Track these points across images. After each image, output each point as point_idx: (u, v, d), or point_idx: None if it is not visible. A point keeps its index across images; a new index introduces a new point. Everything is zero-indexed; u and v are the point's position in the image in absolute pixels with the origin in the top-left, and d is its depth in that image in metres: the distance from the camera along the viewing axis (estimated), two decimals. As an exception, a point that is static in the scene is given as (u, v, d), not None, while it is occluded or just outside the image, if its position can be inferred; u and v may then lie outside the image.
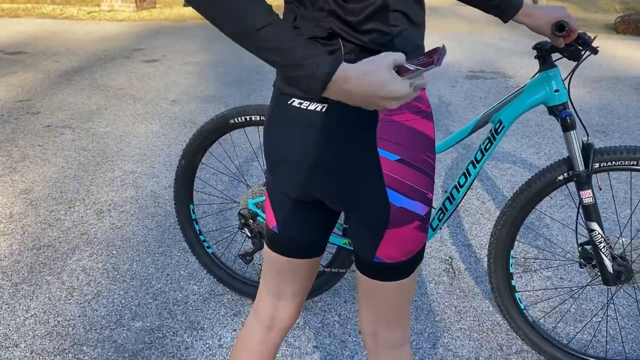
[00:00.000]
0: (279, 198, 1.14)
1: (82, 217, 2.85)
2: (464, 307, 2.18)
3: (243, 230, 2.03)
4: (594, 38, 1.55)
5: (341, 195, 1.03)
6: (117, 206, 2.96)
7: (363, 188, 1.00)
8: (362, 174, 0.99)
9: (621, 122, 4.27)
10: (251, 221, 2.01)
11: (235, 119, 1.97)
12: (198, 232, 2.22)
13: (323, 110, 0.98)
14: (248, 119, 1.95)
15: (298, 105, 1.00)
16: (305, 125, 1.01)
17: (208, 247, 2.23)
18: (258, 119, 1.94)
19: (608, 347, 1.98)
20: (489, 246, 1.83)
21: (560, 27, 1.41)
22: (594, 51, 1.52)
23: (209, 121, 2.01)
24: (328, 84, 0.83)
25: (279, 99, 1.05)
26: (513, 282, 1.86)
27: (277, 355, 1.92)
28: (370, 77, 0.83)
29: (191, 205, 2.19)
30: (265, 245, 1.22)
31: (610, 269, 1.65)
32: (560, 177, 1.66)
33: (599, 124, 4.25)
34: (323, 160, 1.01)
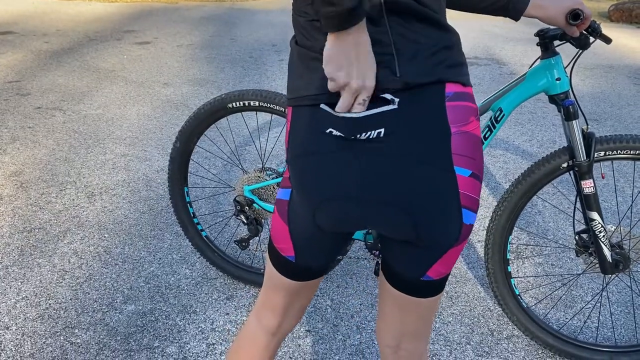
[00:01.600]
0: (308, 232, 1.03)
1: (73, 200, 2.83)
2: (455, 292, 2.20)
3: (239, 217, 2.03)
4: (599, 25, 1.54)
5: (407, 227, 0.91)
6: (109, 189, 2.94)
7: (437, 214, 0.89)
8: (436, 199, 0.88)
9: (614, 110, 4.29)
10: (247, 208, 2.00)
11: (234, 103, 1.95)
12: (192, 215, 2.21)
13: (381, 135, 0.85)
14: (246, 104, 1.94)
15: (340, 134, 0.87)
16: (359, 155, 0.87)
17: (202, 230, 2.22)
18: (256, 104, 1.92)
19: (598, 333, 2.00)
20: (487, 232, 1.84)
21: (575, 15, 1.38)
22: (607, 40, 1.51)
23: (206, 104, 2.00)
24: (349, 27, 0.77)
25: (315, 128, 0.90)
26: (509, 269, 1.87)
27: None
28: (371, 56, 0.81)
29: (185, 188, 2.18)
30: (272, 268, 1.13)
31: (609, 257, 1.66)
32: (564, 165, 1.65)
33: (591, 112, 4.27)
34: (386, 192, 0.88)
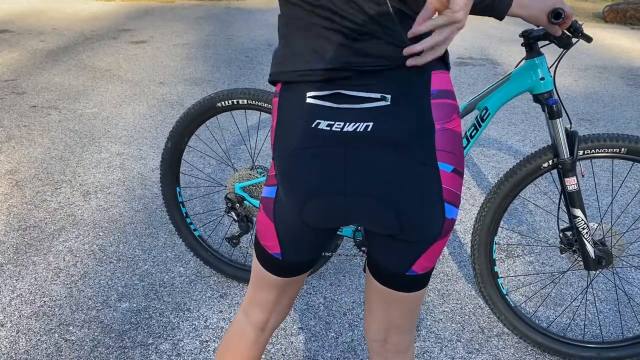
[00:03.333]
0: (294, 229, 1.04)
1: (68, 198, 2.84)
2: (447, 290, 2.22)
3: (230, 214, 2.05)
4: (581, 25, 1.56)
5: (391, 220, 0.93)
6: (104, 188, 2.96)
7: (420, 208, 0.92)
8: (420, 193, 0.91)
9: (606, 111, 4.32)
10: (238, 205, 2.02)
11: (223, 102, 1.97)
12: (184, 215, 2.23)
13: (368, 129, 0.87)
14: (235, 103, 1.96)
15: (328, 128, 0.89)
16: (347, 150, 0.89)
17: (195, 230, 2.24)
18: (245, 102, 1.94)
19: (586, 330, 2.03)
20: (472, 233, 1.86)
21: (556, 14, 1.40)
22: (588, 39, 1.54)
23: (195, 104, 2.01)
24: None
25: (303, 123, 0.91)
26: (496, 269, 1.89)
27: (263, 336, 1.95)
28: None
29: (177, 188, 2.20)
30: (258, 265, 1.14)
31: (592, 254, 1.69)
32: (545, 165, 1.68)
33: (584, 112, 4.30)
34: (371, 187, 0.91)
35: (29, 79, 4.77)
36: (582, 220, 1.66)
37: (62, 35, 6.36)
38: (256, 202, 2.00)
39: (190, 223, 2.24)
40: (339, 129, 0.88)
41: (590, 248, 1.68)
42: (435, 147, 0.89)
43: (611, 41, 6.77)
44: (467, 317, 2.07)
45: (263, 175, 2.00)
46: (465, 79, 5.10)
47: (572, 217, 1.68)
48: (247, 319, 1.21)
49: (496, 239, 1.86)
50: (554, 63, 1.63)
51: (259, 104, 1.92)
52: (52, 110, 4.06)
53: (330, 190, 0.93)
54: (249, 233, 2.13)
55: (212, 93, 1.99)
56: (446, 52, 0.91)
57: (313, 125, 0.90)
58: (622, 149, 1.62)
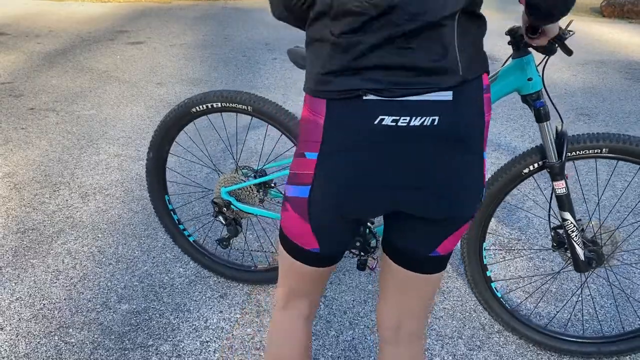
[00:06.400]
0: (335, 225, 1.06)
1: (67, 200, 2.83)
2: (447, 287, 2.21)
3: (217, 218, 2.04)
4: (570, 22, 1.48)
5: (443, 209, 0.99)
6: (103, 189, 2.95)
7: (471, 194, 0.99)
8: (471, 182, 0.98)
9: (605, 105, 4.31)
10: (225, 209, 2.01)
11: (197, 107, 1.95)
12: (177, 222, 2.23)
13: (435, 124, 0.91)
14: (210, 107, 1.93)
15: (393, 124, 0.91)
16: (411, 144, 0.92)
17: (189, 236, 2.24)
18: (220, 105, 1.92)
19: (585, 326, 2.02)
20: (461, 240, 1.82)
21: (533, 29, 1.33)
22: (569, 52, 1.45)
23: (171, 111, 2.00)
24: None
25: (359, 119, 0.92)
26: (488, 273, 1.88)
27: (263, 336, 1.94)
28: None
29: (166, 197, 2.20)
30: (293, 260, 1.14)
31: (582, 256, 1.65)
32: (531, 167, 1.64)
33: (583, 107, 4.29)
34: (431, 179, 0.95)
35: (26, 81, 4.76)
36: (572, 223, 1.62)
37: (59, 37, 6.35)
38: (243, 207, 1.98)
39: (184, 229, 2.24)
40: (405, 124, 0.90)
41: (580, 250, 1.65)
42: (484, 138, 0.96)
43: (609, 36, 6.77)
44: (467, 314, 2.07)
45: (250, 177, 1.98)
46: (464, 76, 5.09)
47: (561, 220, 1.64)
48: (292, 312, 1.23)
49: (485, 244, 1.83)
50: (539, 63, 1.54)
51: (234, 105, 1.90)
52: (49, 113, 4.05)
53: (381, 184, 0.96)
54: (244, 234, 2.10)
55: (186, 99, 1.97)
56: (484, 53, 0.98)
57: (377, 121, 0.91)
58: (604, 149, 1.57)
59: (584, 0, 9.19)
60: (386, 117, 0.90)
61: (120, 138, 3.61)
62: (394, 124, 0.90)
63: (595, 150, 1.58)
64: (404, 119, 0.90)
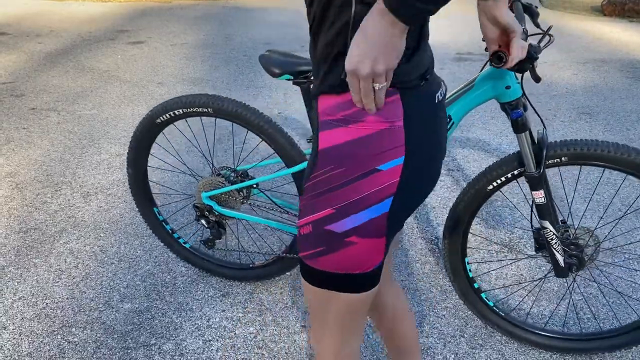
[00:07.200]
0: (403, 218, 0.99)
1: (68, 200, 2.84)
2: (449, 286, 2.21)
3: (200, 222, 2.05)
4: (549, 28, 1.44)
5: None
6: (104, 189, 2.95)
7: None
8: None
9: (606, 104, 4.31)
10: (207, 213, 2.02)
11: (161, 118, 1.95)
12: (171, 232, 2.24)
13: (445, 94, 1.03)
14: (173, 115, 1.93)
15: (441, 98, 0.99)
16: (443, 118, 1.01)
17: (185, 243, 2.25)
18: (181, 112, 1.92)
19: (587, 323, 2.02)
20: (442, 257, 1.81)
21: (498, 57, 1.15)
22: (537, 79, 1.34)
23: (138, 126, 2.02)
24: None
25: (424, 97, 0.94)
26: (476, 285, 1.88)
27: (266, 335, 1.94)
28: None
29: (155, 209, 2.21)
30: (354, 297, 1.02)
31: (561, 262, 1.65)
32: (509, 175, 1.62)
33: (584, 105, 4.29)
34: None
35: (27, 81, 4.76)
36: (551, 231, 1.62)
37: (60, 37, 6.35)
38: (225, 211, 2.00)
39: (179, 238, 2.25)
40: (442, 97, 1.00)
41: (559, 257, 1.64)
42: None
43: (610, 35, 6.76)
44: (469, 312, 2.07)
45: (231, 179, 1.98)
46: (465, 75, 5.09)
47: (542, 228, 1.63)
48: (350, 350, 1.12)
49: (467, 259, 1.83)
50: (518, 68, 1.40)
51: (194, 109, 1.90)
52: (51, 112, 4.05)
53: (441, 156, 1.03)
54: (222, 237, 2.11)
55: (149, 111, 1.97)
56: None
57: (436, 100, 0.98)
58: (563, 158, 1.56)
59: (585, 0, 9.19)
60: (437, 93, 0.98)
61: (121, 138, 3.61)
62: (441, 97, 0.99)
63: (556, 160, 1.57)
64: (441, 92, 0.99)
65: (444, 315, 2.05)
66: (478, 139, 3.64)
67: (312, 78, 1.75)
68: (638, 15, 7.99)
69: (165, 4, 8.89)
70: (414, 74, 0.91)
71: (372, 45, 0.79)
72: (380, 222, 0.94)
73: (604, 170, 2.15)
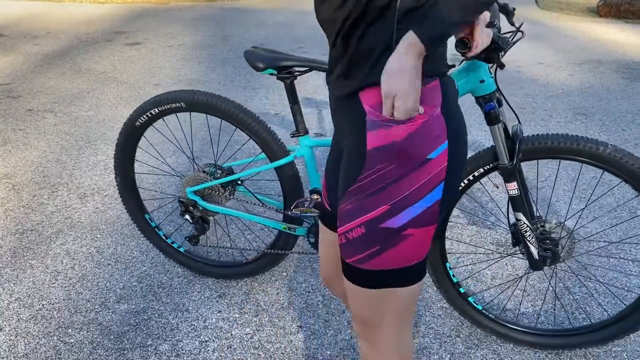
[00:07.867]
0: (449, 203, 1.03)
1: (65, 201, 2.84)
2: (445, 286, 2.22)
3: (185, 217, 2.07)
4: (521, 25, 1.47)
5: None
6: (101, 190, 2.95)
7: None
8: None
9: (602, 105, 4.33)
10: (192, 208, 2.04)
11: (139, 120, 1.97)
12: (164, 237, 2.24)
13: None
14: (149, 115, 1.95)
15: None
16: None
17: (179, 247, 2.25)
18: (157, 111, 1.93)
19: (578, 317, 2.03)
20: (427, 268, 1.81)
21: (463, 43, 1.13)
22: (501, 66, 1.36)
23: (120, 132, 2.03)
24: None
25: (450, 82, 1.04)
26: (462, 289, 1.88)
27: (262, 335, 1.95)
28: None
29: (146, 215, 2.22)
30: (409, 289, 1.03)
31: (535, 255, 1.66)
32: (482, 170, 1.64)
33: (580, 106, 4.30)
34: None
35: (24, 82, 4.76)
36: (525, 223, 1.63)
37: (57, 39, 6.35)
38: (209, 206, 2.02)
39: (173, 242, 2.25)
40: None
41: (533, 250, 1.65)
42: None
43: (606, 35, 6.78)
44: (465, 312, 2.07)
45: (217, 174, 2.00)
46: (461, 76, 5.11)
47: (516, 220, 1.65)
48: (407, 346, 1.12)
49: (449, 264, 1.84)
50: (492, 65, 1.46)
51: (169, 106, 1.91)
52: (47, 114, 4.05)
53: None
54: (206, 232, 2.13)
55: (128, 116, 1.98)
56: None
57: (456, 88, 1.06)
58: (539, 152, 1.57)
59: (581, 0, 9.21)
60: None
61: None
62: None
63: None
64: None
65: (439, 315, 2.06)
66: (474, 139, 3.65)
67: (295, 74, 1.78)
68: (634, 16, 8.01)
69: (162, 5, 8.89)
70: (444, 60, 1.00)
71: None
72: (434, 209, 0.96)
73: (582, 166, 2.15)
